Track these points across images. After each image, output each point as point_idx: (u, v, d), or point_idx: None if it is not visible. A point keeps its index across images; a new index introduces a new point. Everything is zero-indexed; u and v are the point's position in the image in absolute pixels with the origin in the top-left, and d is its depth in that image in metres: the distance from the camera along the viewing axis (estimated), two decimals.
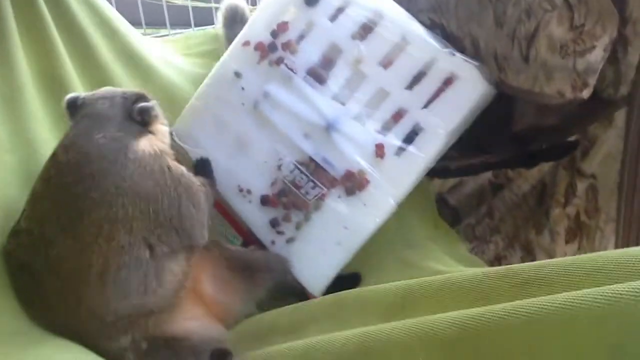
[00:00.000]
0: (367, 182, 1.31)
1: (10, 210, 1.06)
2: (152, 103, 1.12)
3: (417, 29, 1.36)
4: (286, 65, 1.41)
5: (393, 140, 1.31)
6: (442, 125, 1.29)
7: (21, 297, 1.00)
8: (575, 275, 0.67)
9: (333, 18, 1.41)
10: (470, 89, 1.28)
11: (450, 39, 1.43)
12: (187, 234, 1.10)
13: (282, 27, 1.43)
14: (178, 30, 1.97)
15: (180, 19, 1.87)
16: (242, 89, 1.44)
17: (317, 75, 1.40)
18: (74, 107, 1.13)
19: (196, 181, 1.19)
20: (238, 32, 1.49)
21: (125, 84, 1.41)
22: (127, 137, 1.07)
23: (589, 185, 1.16)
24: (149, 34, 1.76)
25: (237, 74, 1.44)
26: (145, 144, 1.09)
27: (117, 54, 1.43)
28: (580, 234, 1.21)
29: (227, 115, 1.44)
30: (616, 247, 1.14)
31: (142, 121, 1.11)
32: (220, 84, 1.47)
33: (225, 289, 1.23)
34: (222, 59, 1.49)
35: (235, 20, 1.54)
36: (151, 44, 1.55)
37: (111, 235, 0.98)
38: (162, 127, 1.17)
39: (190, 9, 1.77)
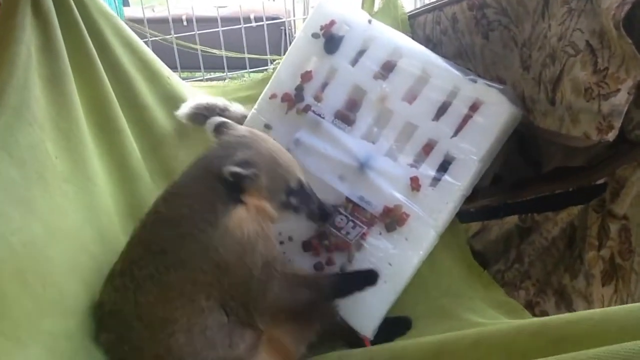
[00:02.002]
0: (407, 216, 1.32)
1: (70, 232, 1.14)
2: (249, 172, 1.09)
3: (436, 61, 1.40)
4: (313, 111, 1.46)
5: (427, 171, 1.33)
6: (473, 152, 1.31)
7: (108, 343, 1.06)
8: (610, 330, 0.67)
9: (354, 62, 1.47)
10: (496, 113, 1.30)
11: None
12: (251, 315, 1.13)
13: (306, 76, 1.50)
14: (212, 74, 2.05)
15: (215, 63, 1.93)
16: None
17: (345, 117, 1.44)
18: (218, 129, 1.20)
19: (277, 272, 1.17)
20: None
21: (164, 124, 1.51)
22: (221, 207, 1.09)
23: (621, 227, 1.15)
24: (184, 77, 1.83)
25: (267, 126, 1.50)
26: (237, 220, 1.10)
27: (158, 96, 1.51)
28: (616, 276, 1.19)
29: None
30: None
31: (234, 191, 1.10)
32: None
33: (283, 329, 1.24)
34: (250, 113, 1.54)
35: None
36: (190, 88, 1.64)
37: (192, 297, 1.06)
38: (259, 202, 1.15)
39: (224, 58, 1.84)
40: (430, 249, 1.32)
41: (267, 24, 2.10)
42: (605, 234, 1.18)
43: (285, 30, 2.76)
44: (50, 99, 1.21)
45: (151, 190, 1.38)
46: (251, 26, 2.14)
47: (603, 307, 1.21)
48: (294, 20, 2.78)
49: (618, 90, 1.03)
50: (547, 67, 1.20)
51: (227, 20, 2.15)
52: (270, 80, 1.55)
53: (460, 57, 1.51)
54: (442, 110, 1.36)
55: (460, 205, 1.33)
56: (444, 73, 1.37)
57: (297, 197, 1.21)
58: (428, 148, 1.35)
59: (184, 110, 1.51)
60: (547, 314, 1.33)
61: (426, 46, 1.61)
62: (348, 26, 1.49)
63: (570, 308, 1.29)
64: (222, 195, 1.09)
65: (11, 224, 0.98)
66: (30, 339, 0.92)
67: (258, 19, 2.22)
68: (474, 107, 1.32)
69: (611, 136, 1.06)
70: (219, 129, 1.21)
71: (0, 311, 0.89)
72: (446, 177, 1.31)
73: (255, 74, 1.95)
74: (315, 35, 1.51)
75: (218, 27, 1.95)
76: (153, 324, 1.04)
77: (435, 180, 1.32)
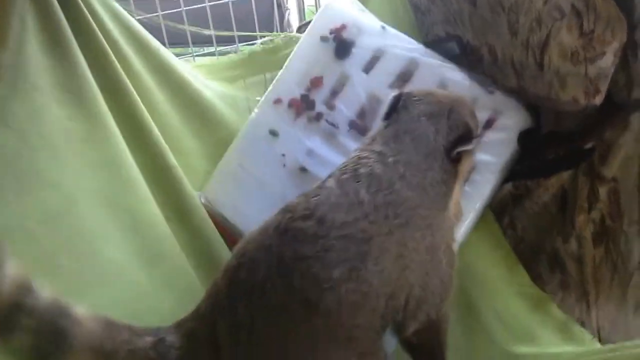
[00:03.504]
0: None
1: (92, 191, 1.14)
2: (473, 143, 1.07)
3: (453, 72, 1.39)
4: (327, 120, 1.43)
5: None
6: (494, 162, 1.31)
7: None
8: None
9: (367, 69, 1.44)
10: (515, 122, 1.31)
11: (468, 49, 1.45)
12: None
13: (316, 82, 1.46)
14: (204, 49, 2.05)
15: (205, 38, 1.91)
16: (283, 155, 1.44)
17: (360, 128, 1.40)
18: (394, 105, 1.11)
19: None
20: None
21: (157, 92, 1.49)
22: (449, 186, 1.04)
23: (610, 189, 1.16)
24: (175, 54, 1.82)
25: (273, 132, 1.46)
26: (456, 197, 1.06)
27: (149, 67, 1.49)
28: (606, 237, 1.20)
29: (267, 175, 1.44)
30: None
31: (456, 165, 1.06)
32: (255, 144, 1.48)
33: None
34: (250, 118, 1.51)
35: None
36: (179, 62, 1.63)
37: (405, 266, 0.98)
38: (466, 166, 1.13)
39: (213, 36, 1.84)
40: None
41: None
42: (595, 197, 1.19)
43: (275, 1, 2.73)
44: (55, 62, 1.19)
45: (162, 146, 1.37)
46: None
47: (594, 267, 1.23)
48: None
49: (604, 52, 1.03)
50: (534, 31, 1.19)
51: None
52: (273, 84, 1.53)
53: (449, 23, 1.49)
54: None
55: (480, 215, 1.34)
56: (461, 85, 1.36)
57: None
58: None
59: None
60: (541, 278, 1.35)
61: (415, 14, 1.60)
62: (360, 31, 1.46)
63: (564, 271, 1.31)
64: (447, 172, 1.05)
65: (20, 207, 0.96)
66: None
67: None
68: (492, 118, 1.32)
69: (598, 100, 1.06)
70: (404, 100, 1.12)
71: None
72: (466, 187, 1.30)
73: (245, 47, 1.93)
74: (324, 39, 1.47)
75: (206, 2, 1.94)
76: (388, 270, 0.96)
77: None
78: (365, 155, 1.04)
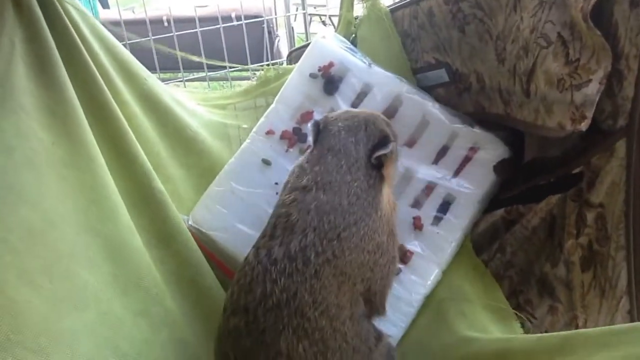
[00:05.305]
0: (411, 254, 1.36)
1: (71, 215, 1.12)
2: (391, 147, 1.15)
3: (435, 109, 1.45)
4: None
5: (429, 212, 1.39)
6: (473, 192, 1.37)
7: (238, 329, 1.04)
8: None
9: (355, 105, 1.49)
10: (494, 156, 1.38)
11: (457, 76, 1.47)
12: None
13: (307, 116, 1.51)
14: (195, 74, 2.05)
15: (195, 63, 1.93)
16: (276, 183, 1.46)
17: None
18: (317, 130, 1.20)
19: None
20: None
21: (143, 120, 1.49)
22: (377, 188, 1.13)
23: (597, 215, 1.17)
24: (166, 78, 1.83)
25: (266, 161, 1.49)
26: (386, 197, 1.14)
27: (136, 95, 1.50)
28: (594, 262, 1.21)
29: (259, 201, 1.46)
30: (629, 275, 1.13)
31: (380, 170, 1.15)
32: (248, 171, 1.50)
33: None
34: (243, 147, 1.53)
35: None
36: (168, 91, 1.63)
37: (355, 281, 1.07)
38: (391, 169, 1.21)
39: (205, 65, 1.85)
40: (435, 284, 1.36)
41: (248, 23, 2.11)
42: (583, 222, 1.20)
43: (266, 28, 2.76)
44: (42, 86, 1.19)
45: (148, 171, 1.36)
46: (232, 25, 2.14)
47: (583, 293, 1.23)
48: (275, 19, 2.78)
49: (590, 80, 1.05)
50: (521, 59, 1.21)
51: (209, 20, 2.15)
52: (265, 115, 1.56)
53: (438, 51, 1.52)
54: (441, 154, 1.42)
55: (462, 242, 1.40)
56: (442, 121, 1.43)
57: None
58: (428, 189, 1.41)
59: None
60: (531, 303, 1.35)
61: (405, 40, 1.63)
62: (347, 68, 1.51)
63: (553, 296, 1.31)
64: (372, 177, 1.13)
65: (5, 221, 0.96)
66: (51, 345, 0.90)
67: (240, 18, 2.22)
68: (472, 151, 1.39)
69: (584, 126, 1.08)
70: (322, 124, 1.22)
71: (17, 321, 0.86)
72: (448, 216, 1.37)
73: (238, 80, 1.95)
74: (313, 76, 1.53)
75: (197, 28, 1.96)
76: (329, 311, 1.01)
77: (437, 220, 1.38)
78: (290, 199, 1.11)
